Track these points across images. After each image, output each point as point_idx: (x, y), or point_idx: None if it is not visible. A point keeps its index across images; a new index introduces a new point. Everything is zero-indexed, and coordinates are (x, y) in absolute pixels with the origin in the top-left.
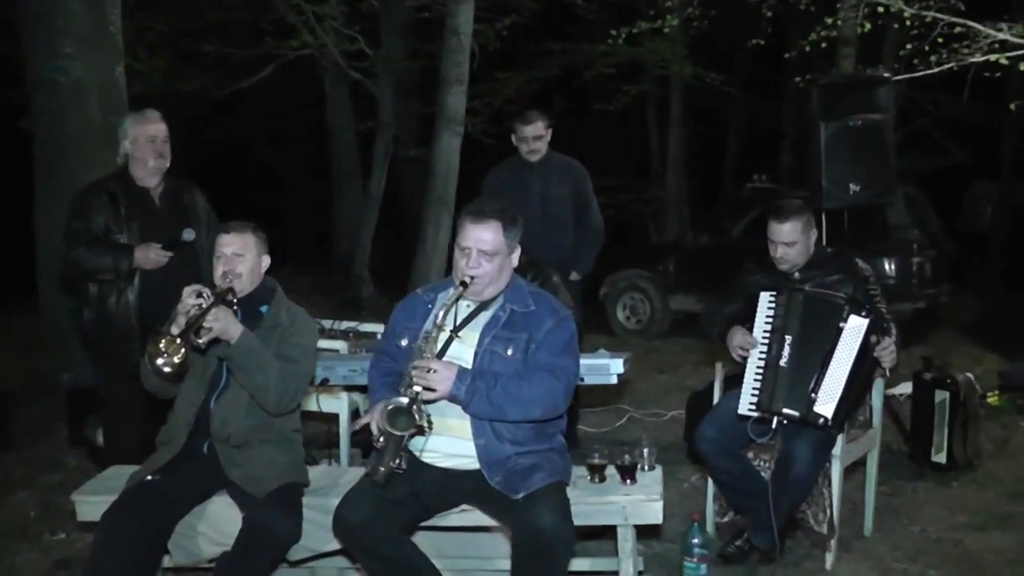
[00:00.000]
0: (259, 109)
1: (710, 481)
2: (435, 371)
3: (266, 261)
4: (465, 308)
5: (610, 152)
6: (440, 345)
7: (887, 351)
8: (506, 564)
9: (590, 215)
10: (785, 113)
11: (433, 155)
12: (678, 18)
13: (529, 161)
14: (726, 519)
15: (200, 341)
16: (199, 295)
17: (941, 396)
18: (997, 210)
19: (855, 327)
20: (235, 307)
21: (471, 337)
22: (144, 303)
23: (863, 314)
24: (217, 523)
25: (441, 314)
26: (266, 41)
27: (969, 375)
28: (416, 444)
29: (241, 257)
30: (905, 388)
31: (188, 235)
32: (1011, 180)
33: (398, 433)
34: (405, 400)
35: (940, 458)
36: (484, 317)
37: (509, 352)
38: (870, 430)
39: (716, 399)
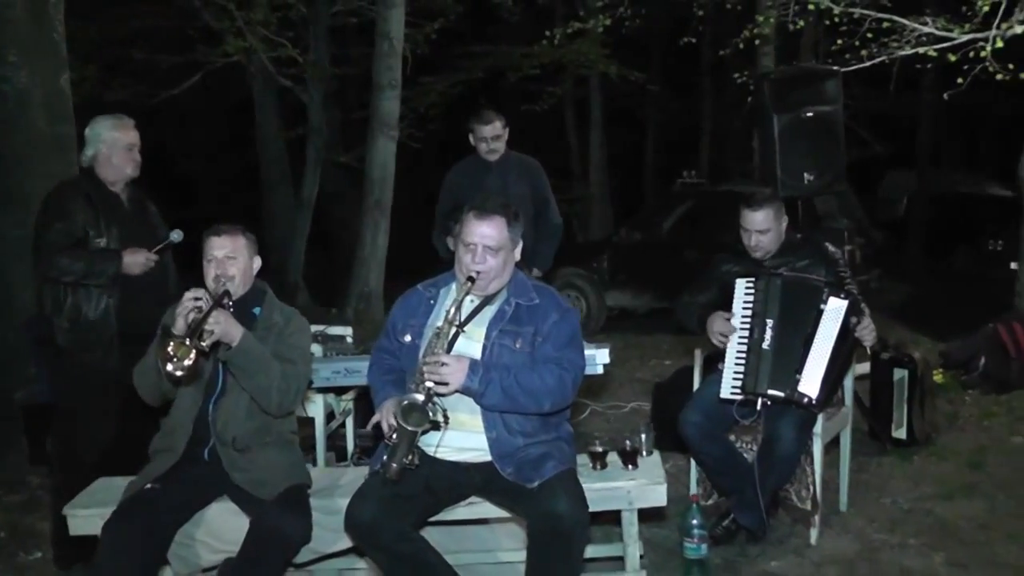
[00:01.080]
0: (183, 118)
1: (693, 465)
2: (447, 365)
3: (257, 263)
4: (469, 303)
5: (532, 154)
6: (456, 342)
7: (867, 330)
8: (507, 556)
9: (549, 212)
10: (703, 110)
11: (368, 160)
12: (610, 18)
13: (487, 160)
14: (710, 502)
15: (204, 344)
16: (197, 298)
17: (899, 374)
18: (915, 199)
19: (835, 308)
20: (231, 309)
21: (477, 332)
22: (123, 309)
23: (842, 296)
24: (216, 530)
25: (453, 309)
26: (196, 48)
27: (924, 353)
28: (431, 440)
29: (233, 259)
30: (863, 368)
31: (176, 236)
32: (928, 170)
33: (412, 429)
34: (420, 396)
35: (900, 434)
36: (489, 312)
37: (517, 345)
38: (843, 408)
39: (696, 384)
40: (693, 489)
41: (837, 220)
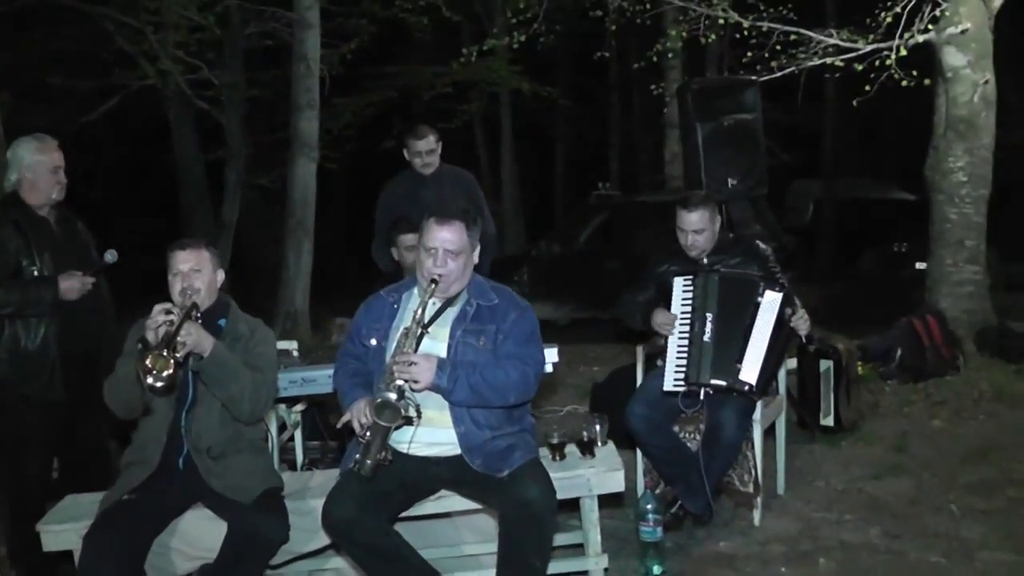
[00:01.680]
0: (100, 143)
1: (639, 457)
2: (416, 364)
3: (220, 276)
4: (432, 305)
5: None
6: (422, 342)
7: (802, 320)
8: (471, 549)
9: (484, 223)
10: (611, 124)
11: (290, 181)
12: (524, 35)
13: (422, 174)
14: (658, 491)
15: (178, 356)
16: (168, 311)
17: (825, 365)
18: (821, 206)
19: (771, 301)
20: (199, 321)
21: (441, 332)
22: (62, 335)
23: (777, 289)
24: (191, 538)
25: (420, 311)
26: (113, 72)
27: (848, 344)
28: (403, 436)
29: (199, 272)
30: (791, 363)
31: (110, 257)
32: (832, 177)
33: (385, 424)
34: (392, 394)
35: (828, 421)
36: (452, 313)
37: (480, 343)
38: (777, 397)
39: (639, 380)
40: (639, 479)
41: (750, 227)
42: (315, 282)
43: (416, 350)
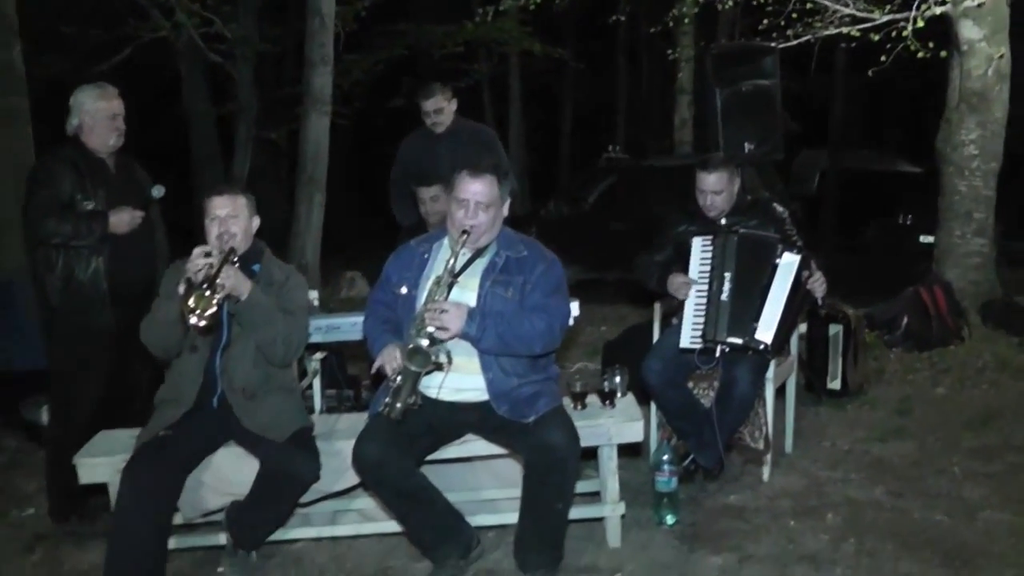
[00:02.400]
0: None
1: (653, 411)
2: (447, 312)
3: (256, 222)
4: (462, 256)
5: None
6: (452, 291)
7: (819, 283)
8: (488, 494)
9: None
10: (618, 88)
11: (302, 136)
12: None
13: (437, 131)
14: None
15: (219, 296)
16: (207, 255)
17: (834, 329)
18: (828, 176)
19: (789, 263)
20: (236, 265)
21: (471, 283)
22: (113, 268)
23: (795, 251)
24: (223, 474)
25: (452, 260)
26: (128, 23)
27: (856, 311)
28: (432, 382)
29: (235, 218)
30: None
31: (158, 192)
32: (839, 148)
33: (416, 370)
34: (424, 341)
35: (835, 385)
36: (481, 264)
37: (509, 294)
38: (789, 358)
39: (656, 337)
40: (653, 433)
41: (758, 193)
42: (323, 237)
43: (447, 299)
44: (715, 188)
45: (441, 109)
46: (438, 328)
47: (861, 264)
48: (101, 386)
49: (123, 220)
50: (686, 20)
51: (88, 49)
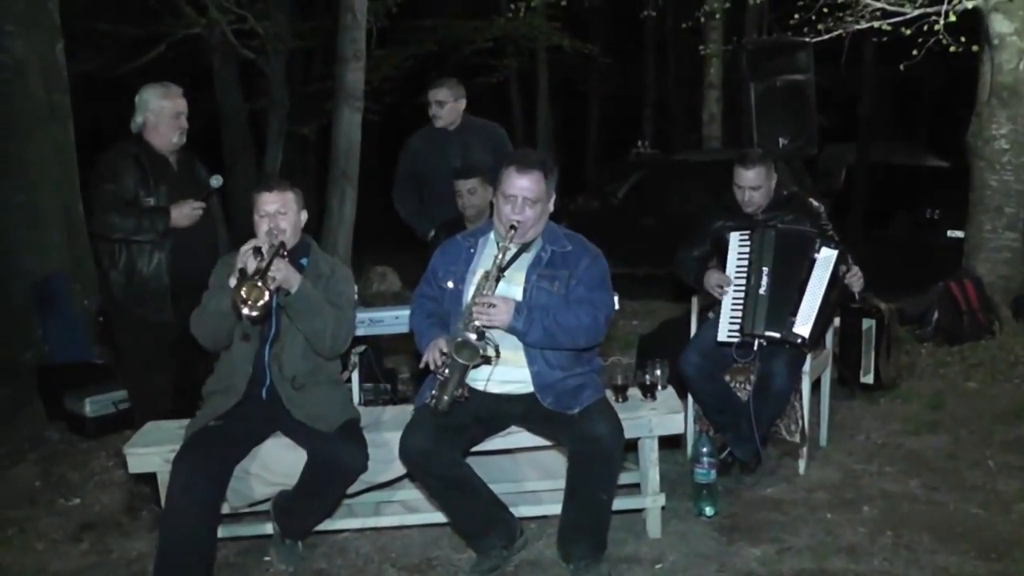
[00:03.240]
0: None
1: (690, 403)
2: (495, 306)
3: (304, 216)
4: (509, 251)
5: None
6: (499, 285)
7: (856, 278)
8: (531, 485)
9: None
10: (646, 83)
11: (335, 131)
12: None
13: (446, 128)
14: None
15: (270, 287)
16: (258, 248)
17: (868, 324)
18: (854, 170)
19: (826, 257)
20: (286, 259)
21: (517, 277)
22: (175, 262)
23: (832, 246)
24: (271, 464)
25: (500, 256)
26: (162, 20)
27: (889, 305)
28: (480, 375)
29: (284, 214)
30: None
31: (216, 181)
32: (866, 142)
33: (464, 363)
34: (472, 335)
35: (868, 379)
36: (527, 258)
37: (554, 288)
38: (824, 351)
39: (694, 331)
40: (690, 426)
41: (788, 187)
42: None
43: (494, 293)
44: (753, 184)
45: (442, 103)
46: (485, 322)
47: (888, 259)
48: (171, 376)
49: (184, 213)
50: (716, 15)
51: (122, 46)
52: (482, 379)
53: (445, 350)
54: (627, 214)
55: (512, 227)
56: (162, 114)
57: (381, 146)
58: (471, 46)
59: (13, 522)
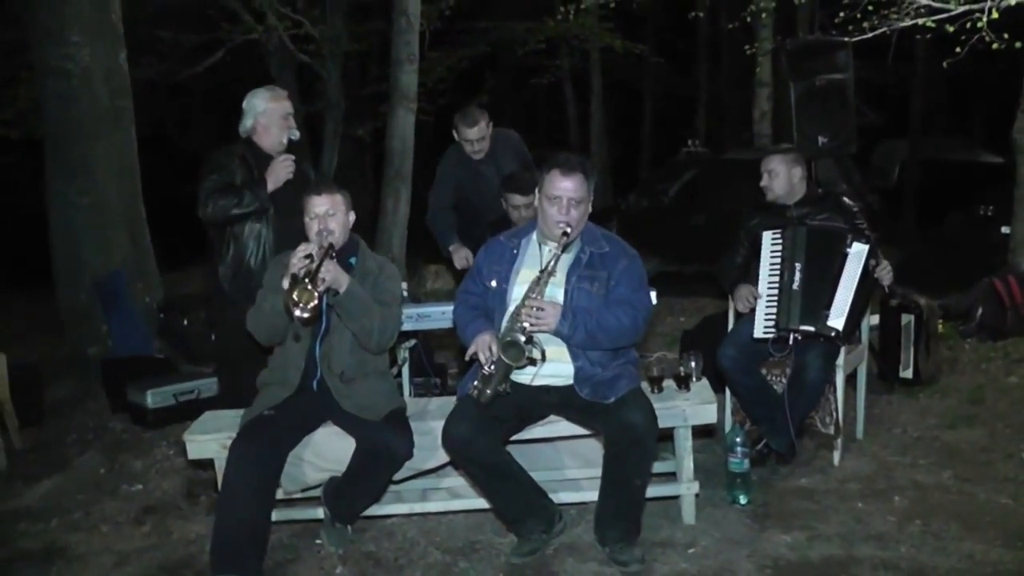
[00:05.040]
0: (205, 94)
1: (728, 396)
2: (544, 310)
3: (352, 217)
4: (548, 251)
5: (530, 127)
6: (546, 288)
7: (886, 272)
8: (571, 473)
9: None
10: (699, 81)
11: (389, 132)
12: None
13: (476, 159)
14: (745, 429)
15: (320, 290)
16: (308, 255)
17: (907, 319)
18: (907, 167)
19: (858, 252)
20: (335, 260)
21: (558, 278)
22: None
23: (864, 240)
24: (322, 451)
25: (553, 261)
26: (221, 27)
27: (930, 300)
28: (526, 373)
29: (333, 215)
30: (873, 319)
31: (294, 135)
32: (919, 138)
33: (509, 363)
34: (522, 336)
35: (907, 374)
36: (567, 259)
37: (594, 288)
38: (859, 345)
39: (731, 325)
40: (728, 418)
41: (837, 186)
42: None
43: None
44: (769, 167)
45: (484, 136)
46: (534, 323)
47: (942, 255)
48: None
49: (276, 172)
50: (763, 15)
51: (182, 52)
52: (527, 375)
53: (494, 348)
54: (678, 212)
55: (565, 233)
56: (272, 116)
57: (434, 146)
58: (524, 48)
59: (80, 506)
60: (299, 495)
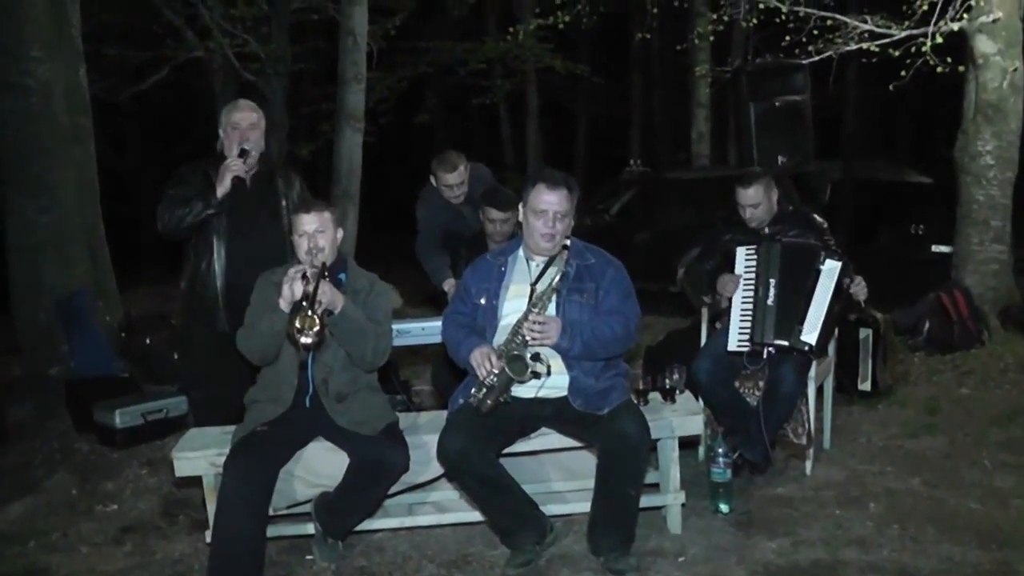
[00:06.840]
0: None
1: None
2: (546, 325)
3: (340, 234)
4: (535, 266)
5: (467, 147)
6: (552, 304)
7: (861, 288)
8: (559, 486)
9: None
10: (633, 102)
11: (336, 152)
12: (567, 15)
13: (455, 203)
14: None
15: (319, 313)
16: (303, 276)
17: (864, 333)
18: (839, 187)
19: (831, 269)
20: (327, 279)
21: (549, 291)
22: (229, 272)
23: (836, 258)
24: (313, 466)
25: (557, 278)
26: (166, 44)
27: (884, 315)
28: (532, 384)
29: (322, 233)
30: None
31: (248, 146)
32: (851, 159)
33: (513, 376)
34: (528, 352)
35: (866, 386)
36: (552, 273)
37: (584, 299)
38: (827, 358)
39: (704, 340)
40: (701, 430)
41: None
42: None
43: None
44: (753, 201)
45: (463, 181)
46: (537, 338)
47: (874, 273)
48: (234, 391)
49: (223, 176)
50: (697, 40)
51: (125, 70)
52: (532, 388)
53: (496, 360)
54: (620, 231)
55: (565, 247)
56: (226, 127)
57: (375, 166)
58: (465, 67)
59: (56, 527)
60: (284, 511)
